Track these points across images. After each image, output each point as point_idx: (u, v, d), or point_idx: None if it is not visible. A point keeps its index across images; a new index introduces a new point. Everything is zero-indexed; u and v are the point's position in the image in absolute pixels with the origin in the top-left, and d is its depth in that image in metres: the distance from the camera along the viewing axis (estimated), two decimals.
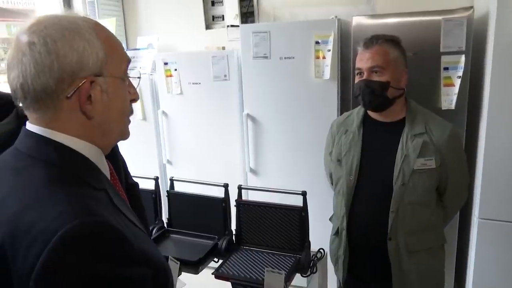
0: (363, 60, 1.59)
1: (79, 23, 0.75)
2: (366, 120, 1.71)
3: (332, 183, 1.86)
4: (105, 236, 0.67)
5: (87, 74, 0.74)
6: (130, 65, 0.86)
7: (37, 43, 0.71)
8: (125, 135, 0.87)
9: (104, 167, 0.83)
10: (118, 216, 0.74)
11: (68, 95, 0.73)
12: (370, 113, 1.70)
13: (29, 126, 0.78)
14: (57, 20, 0.74)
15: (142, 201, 1.26)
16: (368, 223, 1.67)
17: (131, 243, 0.70)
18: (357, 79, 1.63)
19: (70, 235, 0.63)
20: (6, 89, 1.73)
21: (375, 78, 1.57)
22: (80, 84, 0.73)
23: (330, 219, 1.91)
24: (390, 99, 1.58)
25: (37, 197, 0.69)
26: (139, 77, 0.94)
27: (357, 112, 1.74)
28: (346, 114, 1.82)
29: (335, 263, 1.81)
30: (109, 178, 0.85)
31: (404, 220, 1.59)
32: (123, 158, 1.28)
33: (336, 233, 1.78)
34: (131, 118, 0.88)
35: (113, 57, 0.78)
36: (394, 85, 1.57)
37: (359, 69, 1.61)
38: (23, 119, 1.26)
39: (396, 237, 1.60)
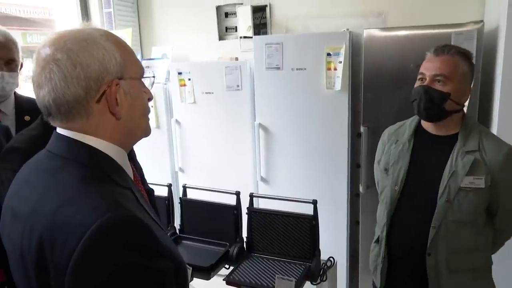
0: (429, 66, 1.51)
1: (93, 33, 0.81)
2: (418, 132, 1.64)
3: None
4: (136, 229, 0.72)
5: (110, 78, 0.80)
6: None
7: (62, 58, 0.77)
8: (148, 131, 0.93)
9: (128, 168, 0.88)
10: (143, 213, 0.79)
11: (97, 100, 0.79)
12: (423, 124, 1.63)
13: (60, 130, 0.83)
14: (73, 34, 0.80)
15: (156, 207, 1.30)
16: (408, 235, 1.62)
17: (157, 238, 0.75)
18: (417, 84, 1.56)
19: (104, 227, 0.69)
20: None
21: (437, 86, 1.49)
22: (106, 88, 0.80)
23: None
24: (446, 112, 1.50)
25: (72, 194, 0.75)
26: (153, 76, 1.00)
27: (410, 123, 1.68)
28: (399, 123, 1.75)
29: (374, 270, 1.77)
30: (132, 178, 0.89)
31: (446, 237, 1.52)
32: (140, 165, 1.33)
33: (377, 241, 1.74)
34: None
35: (127, 59, 0.84)
36: (454, 98, 1.48)
37: (422, 74, 1.54)
38: (47, 126, 1.33)
39: (435, 253, 1.54)
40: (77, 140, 0.81)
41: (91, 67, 0.77)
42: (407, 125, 1.68)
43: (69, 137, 0.81)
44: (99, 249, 0.68)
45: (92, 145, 0.81)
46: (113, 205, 0.72)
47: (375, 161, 1.83)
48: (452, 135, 1.55)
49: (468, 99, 1.57)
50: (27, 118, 1.61)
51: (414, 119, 1.68)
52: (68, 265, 0.68)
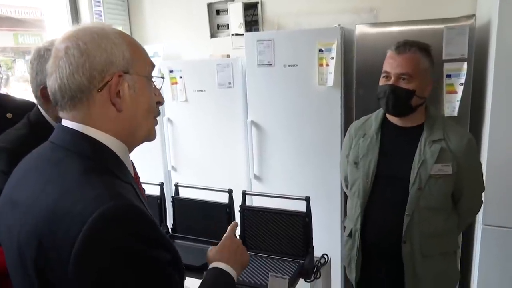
0: (393, 64, 1.58)
1: (106, 29, 0.84)
2: (384, 124, 1.71)
3: (346, 186, 1.87)
4: (137, 218, 0.73)
5: (115, 71, 0.81)
6: None
7: (71, 47, 0.80)
8: (151, 134, 0.93)
9: (129, 164, 0.89)
10: (142, 206, 0.79)
11: (99, 89, 0.81)
12: (389, 117, 1.70)
13: (65, 122, 0.85)
14: (87, 28, 0.83)
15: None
16: (383, 225, 1.68)
17: (158, 228, 0.77)
18: (382, 82, 1.62)
19: (105, 215, 0.69)
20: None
21: (402, 85, 1.56)
22: (110, 79, 0.81)
23: (344, 222, 1.91)
24: (413, 107, 1.59)
25: (74, 184, 0.75)
26: (163, 77, 1.00)
27: (375, 116, 1.75)
28: (364, 118, 1.82)
29: (348, 264, 1.81)
30: (132, 175, 0.90)
31: (419, 224, 1.60)
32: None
33: (350, 234, 1.78)
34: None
35: (138, 58, 0.86)
36: (419, 94, 1.57)
37: (386, 72, 1.60)
38: (34, 125, 1.31)
39: (411, 241, 1.61)
40: (81, 132, 0.82)
41: (97, 58, 0.80)
42: (373, 119, 1.75)
43: (73, 129, 0.82)
44: (101, 236, 0.69)
45: (96, 138, 0.82)
46: (115, 195, 0.73)
47: (342, 156, 1.90)
48: (417, 126, 1.65)
49: (431, 91, 1.65)
50: (9, 115, 1.60)
51: (379, 112, 1.74)
52: (71, 254, 0.68)
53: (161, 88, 0.96)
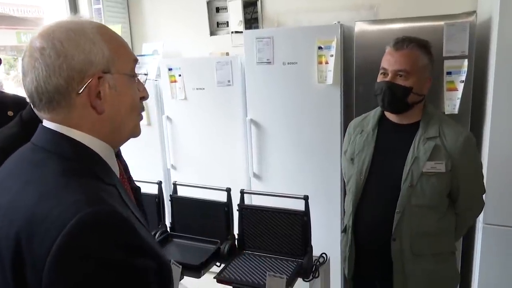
0: (390, 61, 1.56)
1: (83, 25, 0.80)
2: (381, 121, 1.70)
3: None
4: (117, 224, 0.70)
5: (94, 71, 0.78)
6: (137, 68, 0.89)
7: (47, 47, 0.76)
8: (136, 131, 0.90)
9: (114, 164, 0.86)
10: (126, 210, 0.76)
11: (79, 92, 0.77)
12: (386, 114, 1.68)
13: (46, 123, 0.82)
14: (63, 24, 0.79)
15: (143, 206, 1.27)
16: (374, 222, 1.66)
17: (140, 235, 0.73)
18: (379, 78, 1.60)
19: (84, 221, 0.66)
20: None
21: (399, 81, 1.54)
22: (89, 81, 0.77)
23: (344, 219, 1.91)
24: (409, 104, 1.57)
25: (53, 187, 0.73)
26: (146, 74, 0.98)
27: (373, 114, 1.74)
28: (363, 115, 1.82)
29: (344, 260, 1.82)
30: (118, 176, 0.87)
31: (410, 222, 1.58)
32: (125, 162, 1.31)
33: (344, 230, 1.79)
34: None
35: (118, 55, 0.82)
36: (416, 91, 1.55)
37: (384, 69, 1.59)
38: (26, 124, 1.30)
39: (400, 238, 1.59)
40: (62, 133, 0.79)
41: (75, 59, 0.76)
42: (371, 116, 1.75)
43: (54, 130, 0.80)
44: (78, 244, 0.66)
45: (76, 139, 0.79)
46: (95, 200, 0.70)
47: (342, 152, 1.89)
48: (414, 123, 1.63)
49: (429, 88, 1.62)
50: (10, 113, 1.59)
51: (377, 110, 1.73)
52: (46, 260, 0.66)
53: (145, 82, 0.92)
